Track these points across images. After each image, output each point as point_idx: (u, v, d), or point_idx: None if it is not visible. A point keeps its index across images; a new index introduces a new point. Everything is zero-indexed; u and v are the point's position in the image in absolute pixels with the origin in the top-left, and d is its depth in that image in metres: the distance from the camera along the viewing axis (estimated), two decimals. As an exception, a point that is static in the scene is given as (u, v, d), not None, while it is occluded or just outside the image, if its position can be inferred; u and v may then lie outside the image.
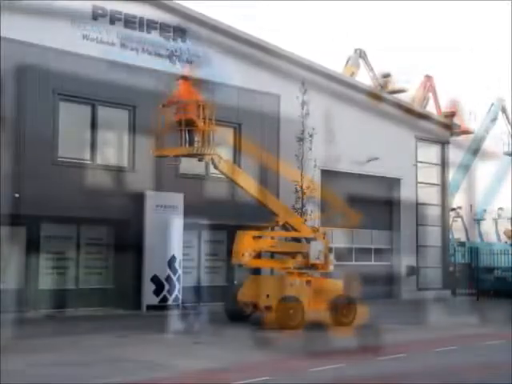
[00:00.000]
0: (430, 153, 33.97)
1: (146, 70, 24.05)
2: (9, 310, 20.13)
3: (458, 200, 51.06)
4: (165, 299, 23.21)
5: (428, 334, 18.91)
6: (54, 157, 22.12)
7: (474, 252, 34.62)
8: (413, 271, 31.88)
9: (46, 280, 22.42)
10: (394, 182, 31.96)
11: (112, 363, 13.40)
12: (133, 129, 23.77)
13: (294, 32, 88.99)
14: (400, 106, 32.92)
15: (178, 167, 23.20)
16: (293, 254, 20.96)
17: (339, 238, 29.46)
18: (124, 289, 23.23)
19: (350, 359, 14.11)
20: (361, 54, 52.96)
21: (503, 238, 53.46)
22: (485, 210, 57.26)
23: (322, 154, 27.24)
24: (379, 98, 32.09)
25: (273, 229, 22.82)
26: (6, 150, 20.89)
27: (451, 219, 44.31)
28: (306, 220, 24.05)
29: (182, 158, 20.81)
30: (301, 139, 25.79)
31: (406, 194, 32.11)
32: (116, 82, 23.17)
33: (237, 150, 26.15)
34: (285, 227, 21.08)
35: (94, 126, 23.18)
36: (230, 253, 21.05)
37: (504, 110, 55.24)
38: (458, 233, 50.33)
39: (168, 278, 23.23)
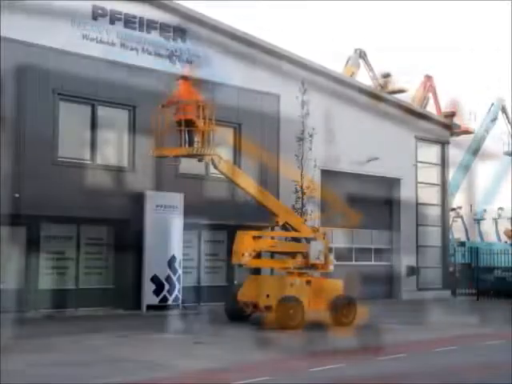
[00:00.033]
0: (430, 153, 33.97)
1: (146, 69, 24.05)
2: (9, 310, 20.13)
3: (457, 200, 51.13)
4: (165, 299, 23.22)
5: (428, 334, 18.91)
6: (54, 157, 22.12)
7: (473, 252, 34.61)
8: (413, 271, 31.89)
9: (46, 280, 22.40)
10: (394, 182, 31.96)
11: (112, 363, 13.39)
12: (133, 129, 23.77)
13: (294, 32, 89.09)
14: (400, 106, 32.92)
15: (177, 167, 23.21)
16: (293, 254, 20.96)
17: (339, 238, 29.49)
18: (124, 289, 23.23)
19: (349, 359, 14.11)
20: (361, 54, 52.98)
21: (503, 237, 53.48)
22: (485, 210, 57.31)
23: (322, 154, 27.25)
24: (379, 98, 32.08)
25: (273, 229, 22.88)
26: (6, 150, 20.88)
27: (451, 219, 44.34)
28: (305, 220, 24.04)
29: (182, 159, 20.83)
30: (301, 139, 25.79)
31: (406, 194, 32.11)
32: (116, 82, 23.17)
33: (237, 150, 26.16)
34: (285, 227, 21.07)
35: (93, 126, 23.18)
36: (230, 253, 21.05)
37: (504, 110, 55.24)
38: (458, 233, 50.37)
39: (168, 278, 23.24)
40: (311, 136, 25.82)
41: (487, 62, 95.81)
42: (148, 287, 23.03)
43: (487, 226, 57.61)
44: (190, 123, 19.57)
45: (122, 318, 21.58)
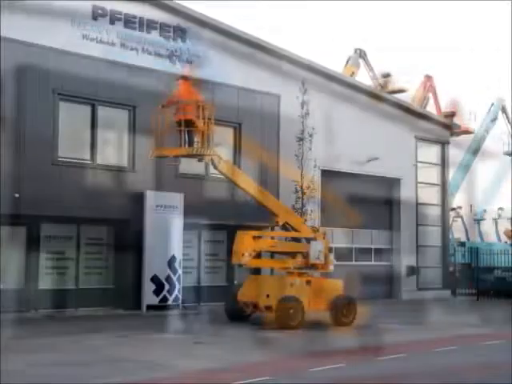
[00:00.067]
0: (430, 153, 33.97)
1: (146, 69, 24.05)
2: (9, 310, 20.14)
3: (458, 200, 51.13)
4: (165, 299, 23.22)
5: (428, 334, 18.91)
6: (54, 157, 22.12)
7: (473, 252, 34.62)
8: (413, 271, 31.89)
9: (46, 280, 22.41)
10: (394, 182, 31.96)
11: (112, 363, 13.39)
12: (133, 129, 23.77)
13: (294, 32, 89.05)
14: (400, 105, 32.92)
15: (177, 167, 23.22)
16: (293, 254, 20.96)
17: (339, 238, 29.49)
18: (124, 289, 23.23)
19: (349, 359, 14.11)
20: (361, 54, 52.97)
21: (503, 238, 53.48)
22: (485, 210, 57.32)
23: (322, 154, 27.25)
24: (379, 98, 32.08)
25: (273, 229, 22.88)
26: (6, 150, 20.89)
27: (451, 219, 44.34)
28: (305, 220, 24.05)
29: (182, 159, 20.84)
30: (301, 139, 25.80)
31: (406, 194, 32.11)
32: (116, 81, 23.17)
33: (237, 150, 26.16)
34: (285, 227, 21.07)
35: (94, 125, 23.17)
36: (230, 253, 21.05)
37: (504, 110, 55.23)
38: (458, 233, 50.37)
39: (168, 278, 23.24)
40: (311, 136, 25.83)
41: (487, 62, 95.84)
42: (148, 287, 23.03)
43: (487, 226, 57.63)
44: (189, 123, 19.57)
45: (121, 317, 21.58)
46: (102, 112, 23.36)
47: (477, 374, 13.23)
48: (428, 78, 54.62)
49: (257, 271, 23.36)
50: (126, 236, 23.41)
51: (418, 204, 32.76)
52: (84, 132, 23.14)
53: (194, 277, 25.60)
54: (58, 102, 22.30)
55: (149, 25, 24.54)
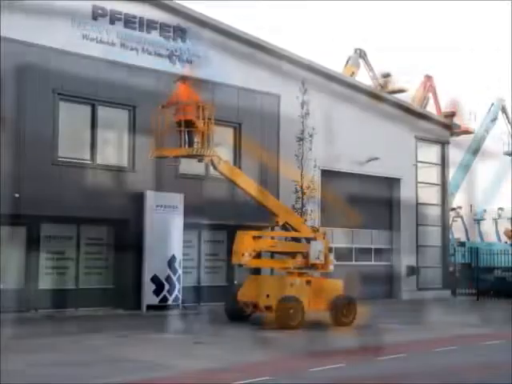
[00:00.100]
0: (430, 153, 33.97)
1: (146, 69, 24.05)
2: (9, 310, 20.15)
3: (458, 200, 51.10)
4: (165, 299, 23.22)
5: (428, 334, 18.91)
6: (54, 157, 22.12)
7: (473, 252, 34.61)
8: (413, 271, 31.89)
9: (46, 280, 22.41)
10: (394, 182, 31.97)
11: (112, 363, 13.39)
12: (133, 129, 23.77)
13: (294, 32, 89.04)
14: (400, 105, 32.92)
15: (177, 167, 23.23)
16: (293, 254, 20.96)
17: (339, 238, 29.49)
18: (124, 289, 23.23)
19: (350, 359, 14.11)
20: (361, 54, 52.96)
21: (503, 238, 53.44)
22: (485, 210, 57.27)
23: (322, 154, 27.25)
24: (379, 98, 32.08)
25: (273, 229, 22.88)
26: (6, 150, 20.88)
27: (451, 219, 44.32)
28: (305, 220, 24.05)
29: (182, 159, 20.84)
30: (301, 139, 25.80)
31: (406, 194, 32.11)
32: (116, 81, 23.17)
33: (237, 150, 26.17)
34: (285, 227, 21.07)
35: (94, 125, 23.17)
36: (230, 253, 21.05)
37: (504, 110, 55.21)
38: (458, 233, 50.33)
39: (168, 278, 23.24)
40: (311, 136, 25.82)
41: (487, 62, 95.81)
42: (148, 287, 23.03)
43: (487, 226, 57.57)
44: (189, 124, 19.57)
45: (121, 317, 21.58)
46: (102, 112, 23.36)
47: (477, 374, 13.23)
48: (428, 77, 54.60)
49: (257, 271, 23.36)
50: (126, 236, 23.41)
51: (418, 204, 32.76)
52: (84, 132, 23.14)
53: (194, 277, 25.60)
54: (58, 102, 22.30)
55: (149, 25, 24.53)
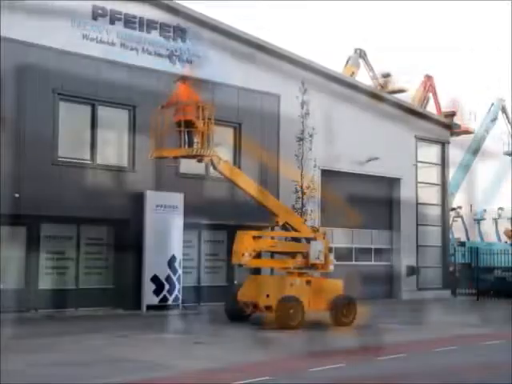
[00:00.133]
0: (430, 153, 33.97)
1: (146, 69, 24.05)
2: (9, 310, 20.14)
3: (458, 200, 51.10)
4: (165, 299, 23.22)
5: (428, 334, 18.91)
6: (54, 157, 22.12)
7: (473, 252, 34.61)
8: (413, 271, 31.89)
9: (46, 280, 22.41)
10: (394, 182, 31.97)
11: (112, 363, 13.39)
12: (133, 129, 23.77)
13: (294, 32, 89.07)
14: (400, 105, 32.92)
15: (178, 167, 23.23)
16: (293, 254, 20.96)
17: (339, 238, 29.49)
18: (124, 289, 23.23)
19: (350, 359, 14.11)
20: (361, 54, 52.99)
21: (503, 238, 53.44)
22: (485, 210, 57.28)
23: (322, 154, 27.25)
24: (379, 98, 32.08)
25: (273, 229, 22.87)
26: (6, 150, 20.89)
27: (451, 219, 44.32)
28: (305, 220, 24.05)
29: (182, 159, 20.83)
30: (301, 139, 25.80)
31: (406, 193, 32.11)
32: (116, 82, 23.18)
33: (237, 150, 26.17)
34: (285, 227, 21.07)
35: (93, 125, 23.17)
36: (230, 253, 21.05)
37: (504, 110, 55.22)
38: (458, 233, 50.33)
39: (168, 278, 23.24)
40: (311, 136, 25.82)
41: (487, 61, 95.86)
42: (148, 287, 23.03)
43: (487, 226, 57.57)
44: (189, 124, 19.56)
45: (122, 317, 21.58)
46: (102, 112, 23.36)
47: (477, 374, 13.23)
48: (428, 77, 54.61)
49: (257, 271, 23.36)
50: (126, 236, 23.41)
51: (417, 204, 32.76)
52: (84, 132, 23.14)
53: (194, 277, 25.60)
54: (58, 102, 22.30)
55: (149, 25, 24.54)
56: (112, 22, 23.69)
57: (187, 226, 23.93)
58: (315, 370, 12.87)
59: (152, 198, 23.30)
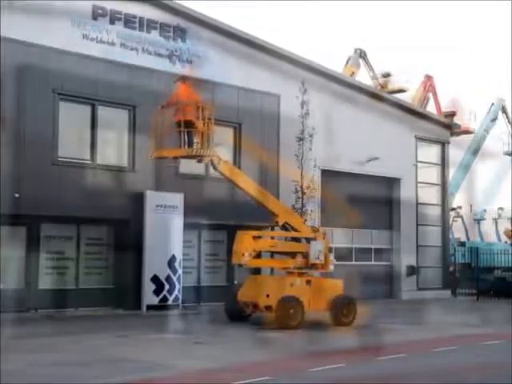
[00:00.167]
0: (430, 153, 33.98)
1: (146, 69, 24.06)
2: (9, 310, 20.15)
3: (458, 200, 51.10)
4: (165, 299, 23.22)
5: (428, 334, 18.91)
6: (54, 157, 22.12)
7: (473, 252, 34.61)
8: (413, 271, 31.90)
9: (46, 280, 22.42)
10: (394, 182, 31.98)
11: (112, 363, 13.39)
12: (133, 129, 23.77)
13: (294, 32, 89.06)
14: (400, 105, 32.93)
15: (177, 167, 23.23)
16: (293, 254, 20.95)
17: (339, 238, 29.50)
18: (124, 289, 23.23)
19: (350, 359, 14.11)
20: (361, 54, 52.97)
21: (503, 238, 53.44)
22: (485, 210, 57.27)
23: (322, 154, 27.25)
24: (379, 98, 32.08)
25: (273, 229, 22.88)
26: (6, 150, 20.88)
27: (451, 219, 44.32)
28: (305, 220, 24.05)
29: (181, 159, 20.83)
30: (301, 139, 25.79)
31: (406, 193, 32.12)
32: (116, 82, 23.18)
33: (237, 150, 26.17)
34: (285, 227, 21.07)
35: (94, 125, 23.17)
36: (230, 253, 21.05)
37: (504, 110, 55.19)
38: (458, 233, 50.34)
39: (168, 278, 23.24)
40: (311, 136, 25.81)
41: (487, 62, 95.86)
42: (148, 287, 23.03)
43: (487, 226, 57.56)
44: (189, 124, 19.55)
45: (122, 317, 21.58)
46: (102, 112, 23.36)
47: (477, 373, 13.23)
48: (428, 77, 54.61)
49: (257, 271, 23.37)
50: (126, 236, 23.41)
51: (417, 204, 32.77)
52: (84, 132, 23.14)
53: (194, 277, 25.60)
54: (58, 102, 22.30)
55: (149, 25, 24.54)
56: (112, 22, 23.70)
57: (187, 226, 23.93)
58: (315, 370, 12.87)
59: (152, 197, 23.30)
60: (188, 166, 23.04)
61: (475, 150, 52.06)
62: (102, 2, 23.45)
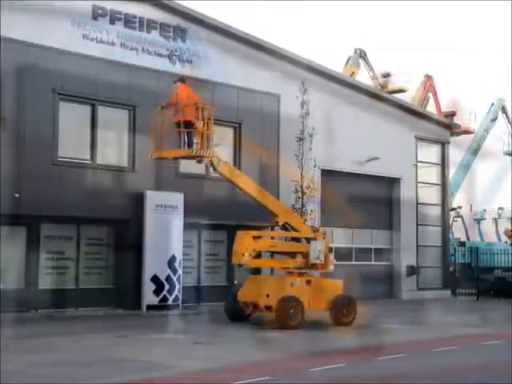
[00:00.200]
0: (430, 153, 33.98)
1: (146, 69, 24.05)
2: (9, 310, 20.15)
3: (457, 200, 51.09)
4: (165, 299, 23.21)
5: (428, 334, 18.91)
6: (54, 157, 22.11)
7: (474, 252, 34.61)
8: (413, 271, 31.90)
9: (46, 280, 22.42)
10: (394, 182, 31.98)
11: (112, 363, 13.39)
12: (133, 129, 23.77)
13: (294, 32, 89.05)
14: (400, 105, 32.92)
15: (178, 167, 23.22)
16: (293, 254, 20.95)
17: (339, 238, 29.50)
18: (124, 289, 23.23)
19: (350, 359, 14.11)
20: (361, 54, 52.99)
21: (503, 237, 53.43)
22: (485, 210, 57.24)
23: (322, 154, 27.25)
24: (379, 98, 32.08)
25: (273, 229, 22.88)
26: (6, 150, 20.88)
27: (451, 219, 44.31)
28: (305, 220, 24.05)
29: (181, 159, 20.82)
30: (301, 139, 25.79)
31: (406, 193, 32.12)
32: (116, 82, 23.18)
33: (237, 150, 26.17)
34: (285, 227, 21.07)
35: (94, 125, 23.17)
36: (230, 253, 21.05)
37: (504, 110, 55.20)
38: (458, 233, 50.32)
39: (168, 278, 23.23)
40: (311, 136, 25.81)
41: (487, 61, 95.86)
42: (148, 287, 23.03)
43: (487, 226, 57.53)
44: (189, 125, 19.54)
45: (122, 317, 21.58)
46: (102, 112, 23.35)
47: (477, 373, 13.24)
48: (428, 77, 54.62)
49: (257, 271, 23.37)
50: (126, 236, 23.41)
51: (418, 204, 32.77)
52: (84, 132, 23.13)
53: (194, 277, 25.60)
54: (58, 102, 22.30)
55: (149, 25, 24.54)
56: (112, 22, 23.70)
57: (187, 226, 23.93)
58: (315, 370, 12.87)
59: (152, 198, 23.29)
60: (188, 166, 23.04)
61: (475, 150, 52.07)
62: (102, 1, 23.45)
